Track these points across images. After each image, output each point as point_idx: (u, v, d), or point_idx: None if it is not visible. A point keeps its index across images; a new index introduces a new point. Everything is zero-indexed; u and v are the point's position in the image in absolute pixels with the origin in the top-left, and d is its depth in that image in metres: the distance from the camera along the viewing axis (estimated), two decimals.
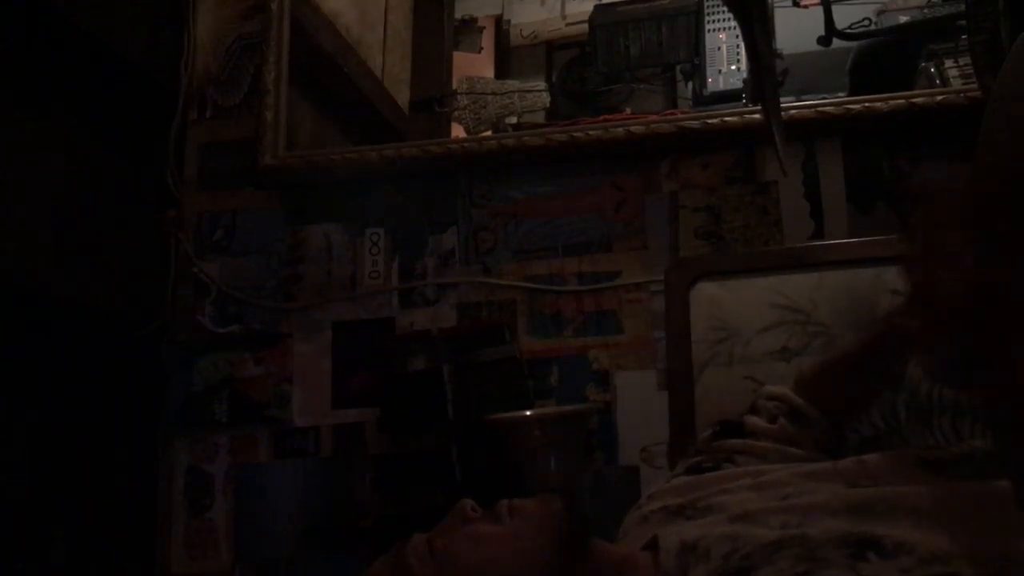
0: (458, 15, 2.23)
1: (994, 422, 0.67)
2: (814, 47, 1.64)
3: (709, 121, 1.52)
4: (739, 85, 1.78)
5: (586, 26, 1.94)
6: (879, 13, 1.75)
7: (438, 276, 1.58)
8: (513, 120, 1.99)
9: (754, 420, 0.92)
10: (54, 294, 1.43)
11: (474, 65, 2.19)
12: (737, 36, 1.79)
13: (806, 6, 1.73)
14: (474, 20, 2.23)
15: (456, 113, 2.04)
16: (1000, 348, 0.58)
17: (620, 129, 1.54)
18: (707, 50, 1.84)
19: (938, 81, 1.52)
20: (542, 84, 2.07)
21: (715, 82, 1.82)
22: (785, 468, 0.78)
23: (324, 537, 1.52)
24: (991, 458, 0.68)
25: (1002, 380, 0.59)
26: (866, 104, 1.46)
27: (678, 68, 1.94)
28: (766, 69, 1.07)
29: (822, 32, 1.62)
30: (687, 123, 1.53)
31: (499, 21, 2.24)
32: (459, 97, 2.05)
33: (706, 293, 1.32)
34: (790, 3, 1.74)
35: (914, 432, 1.18)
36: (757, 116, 1.47)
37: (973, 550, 0.59)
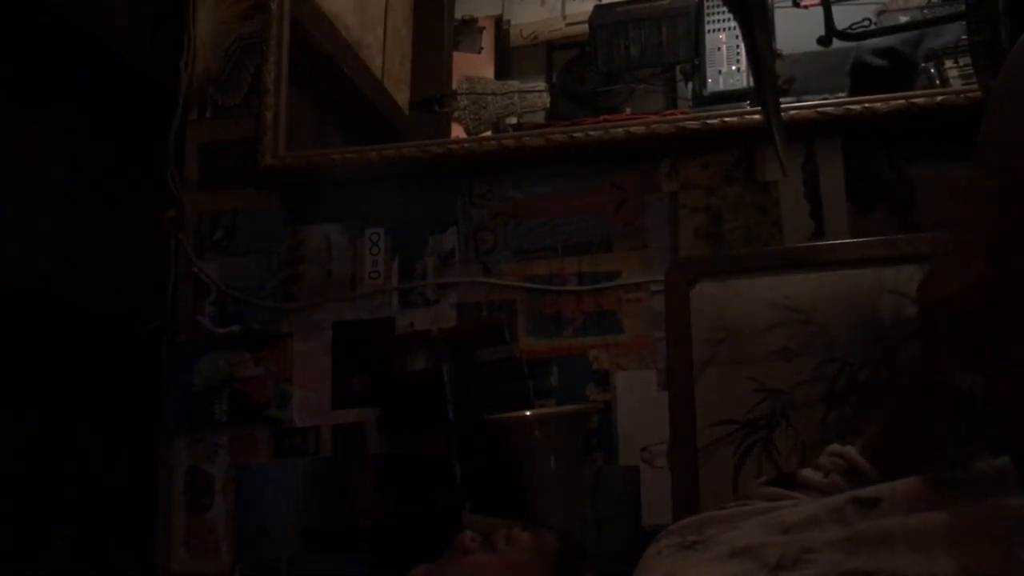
0: (458, 15, 2.23)
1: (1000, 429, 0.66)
2: (814, 47, 1.64)
3: (709, 121, 1.52)
4: (739, 85, 1.79)
5: (586, 26, 1.94)
6: (879, 13, 1.75)
7: (438, 276, 1.58)
8: (513, 120, 1.99)
9: (807, 473, 0.89)
10: (54, 294, 1.43)
11: (474, 65, 2.19)
12: (737, 36, 1.79)
13: (806, 6, 1.73)
14: (474, 20, 2.23)
15: (456, 113, 2.05)
16: (1001, 353, 0.58)
17: (620, 129, 1.54)
18: (707, 50, 1.84)
19: (938, 81, 1.52)
20: (542, 84, 2.07)
21: (715, 82, 1.82)
22: (799, 503, 0.77)
23: (324, 537, 1.52)
24: (998, 475, 0.67)
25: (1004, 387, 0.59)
26: (866, 104, 1.46)
27: (678, 68, 1.94)
28: (766, 69, 1.07)
29: (822, 32, 1.62)
30: (687, 123, 1.53)
31: (499, 21, 2.24)
32: (459, 97, 2.05)
33: (706, 293, 1.32)
34: (790, 3, 1.74)
35: None
36: (757, 116, 1.47)
37: (967, 570, 0.59)
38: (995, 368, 0.61)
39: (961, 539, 0.61)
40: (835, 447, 0.90)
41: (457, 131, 2.03)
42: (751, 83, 1.74)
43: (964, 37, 1.44)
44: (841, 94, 1.60)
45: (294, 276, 1.63)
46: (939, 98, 1.44)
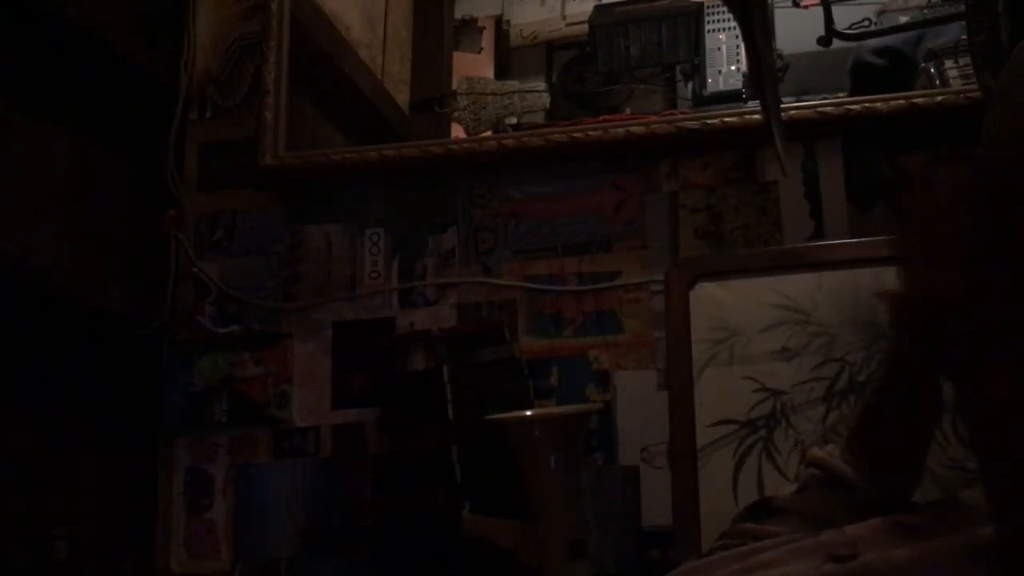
0: (458, 15, 2.23)
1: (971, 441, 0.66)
2: (814, 47, 1.64)
3: (709, 121, 1.52)
4: (739, 85, 1.78)
5: (586, 26, 1.94)
6: (879, 13, 1.75)
7: (438, 276, 1.58)
8: (513, 120, 1.99)
9: (781, 496, 0.87)
10: (54, 294, 1.43)
11: (474, 65, 2.19)
12: (737, 36, 1.79)
13: (806, 6, 1.73)
14: (474, 20, 2.23)
15: (456, 113, 2.04)
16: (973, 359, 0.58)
17: (620, 129, 1.54)
18: (707, 50, 1.84)
19: (938, 81, 1.52)
20: (542, 84, 2.07)
21: (715, 82, 1.82)
22: (775, 548, 0.76)
23: (324, 537, 1.52)
24: (973, 504, 0.67)
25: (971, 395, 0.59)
26: (866, 104, 1.46)
27: (678, 68, 1.94)
28: (766, 69, 1.07)
29: (822, 32, 1.62)
30: (687, 123, 1.53)
31: (499, 21, 2.24)
32: (459, 97, 2.05)
33: (706, 293, 1.32)
34: (790, 3, 1.74)
35: None
36: (757, 116, 1.47)
37: None
38: (966, 372, 0.61)
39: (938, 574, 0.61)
40: (813, 454, 0.87)
41: (457, 131, 2.03)
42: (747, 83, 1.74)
43: (964, 37, 1.43)
44: (841, 94, 1.60)
45: (294, 276, 1.63)
46: (939, 98, 1.44)
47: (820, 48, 1.63)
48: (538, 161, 1.57)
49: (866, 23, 1.68)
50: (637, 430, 1.44)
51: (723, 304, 1.31)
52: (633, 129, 1.54)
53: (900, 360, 0.82)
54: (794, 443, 1.21)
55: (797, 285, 1.28)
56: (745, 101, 1.73)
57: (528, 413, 1.38)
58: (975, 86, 1.37)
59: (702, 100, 1.83)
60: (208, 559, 1.55)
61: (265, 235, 1.65)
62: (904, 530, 0.68)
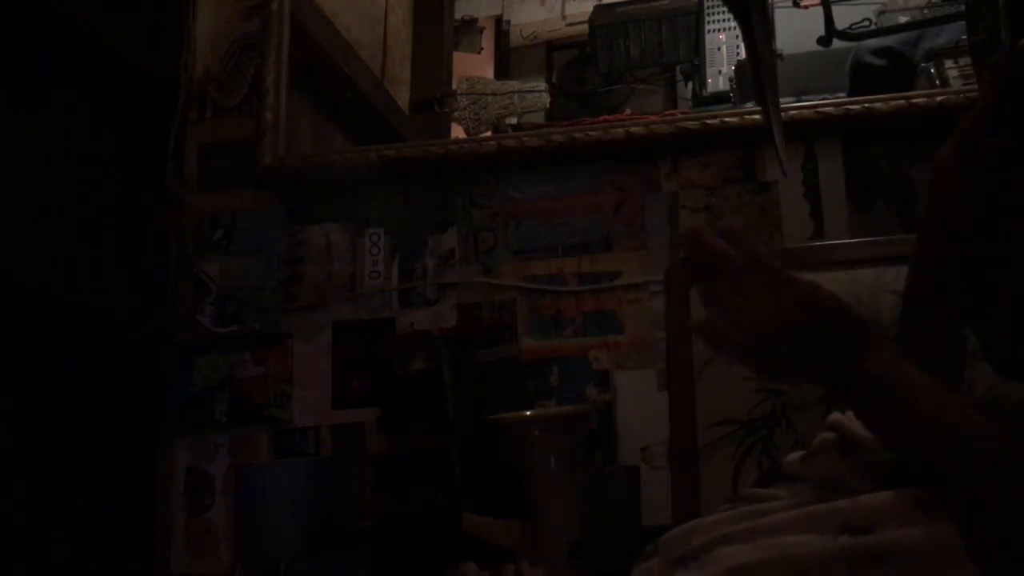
0: (458, 15, 2.23)
1: None
2: (814, 47, 1.64)
3: (709, 121, 1.52)
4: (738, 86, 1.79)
5: (586, 26, 1.95)
6: (879, 13, 1.75)
7: (438, 276, 1.58)
8: (513, 120, 1.99)
9: (790, 460, 0.86)
10: (54, 294, 1.43)
11: (474, 65, 2.19)
12: (737, 36, 1.79)
13: (806, 6, 1.73)
14: (474, 20, 2.24)
15: (456, 114, 2.05)
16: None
17: (620, 130, 1.54)
18: (707, 50, 1.85)
19: (938, 81, 1.52)
20: (542, 84, 2.08)
21: (715, 82, 1.82)
22: (785, 511, 0.76)
23: (324, 537, 1.52)
24: None
25: None
26: (866, 104, 1.46)
27: (678, 68, 1.94)
28: (766, 69, 1.07)
29: (822, 32, 1.62)
30: (687, 123, 1.53)
31: (499, 21, 2.25)
32: (459, 97, 2.05)
33: None
34: (790, 3, 1.74)
35: None
36: (757, 116, 1.47)
37: None
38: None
39: (952, 556, 0.61)
40: (833, 418, 0.87)
41: (457, 131, 2.03)
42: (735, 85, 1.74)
43: (964, 37, 1.44)
44: (841, 94, 1.60)
45: (294, 276, 1.63)
46: (939, 98, 1.44)
47: (820, 48, 1.63)
48: (538, 161, 1.57)
49: (866, 23, 1.69)
50: (637, 430, 1.44)
51: None
52: (633, 129, 1.54)
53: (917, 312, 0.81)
54: (794, 443, 1.21)
55: None
56: (733, 103, 1.74)
57: (528, 413, 1.38)
58: (975, 86, 1.37)
59: (702, 100, 1.84)
60: (208, 559, 1.55)
61: (265, 235, 1.65)
62: (921, 507, 0.67)
